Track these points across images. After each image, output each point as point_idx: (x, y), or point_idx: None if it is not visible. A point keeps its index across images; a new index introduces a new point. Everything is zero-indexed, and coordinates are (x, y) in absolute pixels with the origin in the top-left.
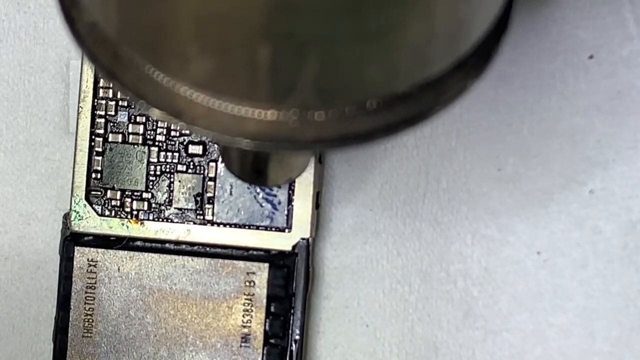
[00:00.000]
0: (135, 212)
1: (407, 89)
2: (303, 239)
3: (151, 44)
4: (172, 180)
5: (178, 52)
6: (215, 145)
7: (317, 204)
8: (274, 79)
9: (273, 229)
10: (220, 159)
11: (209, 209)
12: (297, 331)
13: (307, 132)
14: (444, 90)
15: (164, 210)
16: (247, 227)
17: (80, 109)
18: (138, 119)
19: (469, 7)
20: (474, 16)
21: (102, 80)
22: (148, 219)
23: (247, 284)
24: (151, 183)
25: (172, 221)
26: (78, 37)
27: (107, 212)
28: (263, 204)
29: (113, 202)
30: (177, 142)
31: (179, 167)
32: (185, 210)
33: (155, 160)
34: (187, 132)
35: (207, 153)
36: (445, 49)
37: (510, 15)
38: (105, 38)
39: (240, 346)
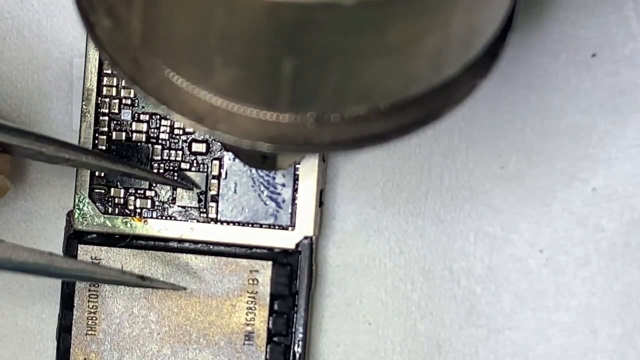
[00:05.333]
0: (138, 210)
1: (421, 92)
2: (306, 237)
3: (175, 54)
4: (175, 178)
5: (202, 63)
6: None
7: (320, 202)
8: (295, 91)
9: (277, 227)
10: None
11: (212, 207)
12: (300, 329)
13: (324, 135)
14: (454, 90)
15: (167, 208)
16: (250, 225)
17: (83, 107)
18: (141, 117)
19: (482, 14)
20: (486, 21)
21: (105, 79)
22: (151, 217)
23: (251, 282)
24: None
25: (175, 219)
26: (98, 42)
27: (110, 210)
28: (267, 202)
29: (116, 200)
30: (181, 141)
31: (183, 165)
32: (189, 208)
33: (159, 158)
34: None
35: (210, 151)
36: (458, 54)
37: (515, 13)
38: (126, 43)
39: (244, 344)
